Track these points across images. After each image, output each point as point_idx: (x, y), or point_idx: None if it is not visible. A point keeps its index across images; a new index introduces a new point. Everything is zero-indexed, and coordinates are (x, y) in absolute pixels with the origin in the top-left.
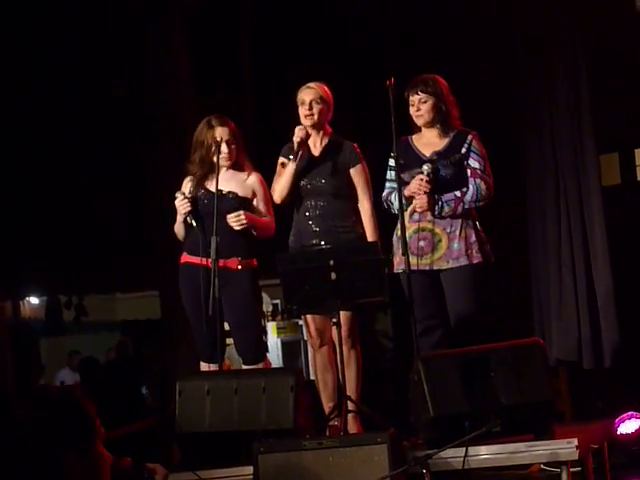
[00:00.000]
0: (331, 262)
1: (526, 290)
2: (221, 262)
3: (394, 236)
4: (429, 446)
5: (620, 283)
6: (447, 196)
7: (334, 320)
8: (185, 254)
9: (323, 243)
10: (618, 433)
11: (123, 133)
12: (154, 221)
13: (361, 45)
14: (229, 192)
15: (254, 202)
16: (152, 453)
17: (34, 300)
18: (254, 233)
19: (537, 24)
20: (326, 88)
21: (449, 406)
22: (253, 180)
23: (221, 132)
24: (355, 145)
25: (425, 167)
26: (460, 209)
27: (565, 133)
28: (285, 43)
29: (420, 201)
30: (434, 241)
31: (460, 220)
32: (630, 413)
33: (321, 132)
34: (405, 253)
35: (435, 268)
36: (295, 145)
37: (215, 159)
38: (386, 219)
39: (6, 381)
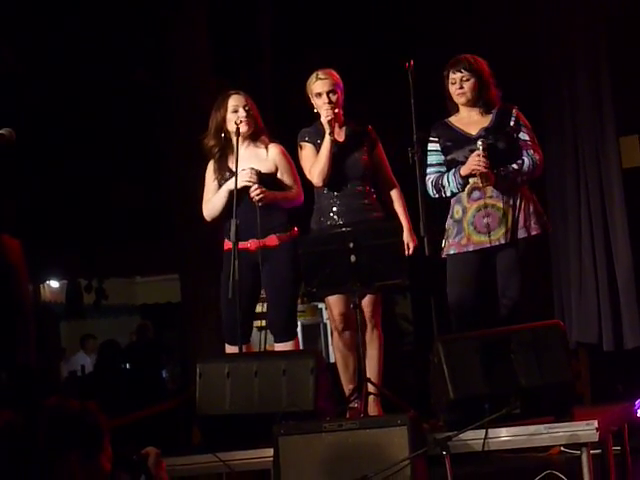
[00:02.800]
0: (351, 245)
1: (547, 273)
2: (259, 242)
3: (448, 219)
4: (449, 428)
5: None
6: (505, 169)
7: (355, 302)
8: (227, 240)
9: (343, 223)
10: (638, 415)
11: (143, 116)
12: (174, 204)
13: (379, 27)
14: (251, 169)
15: (278, 175)
16: (173, 435)
17: (54, 284)
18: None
19: (557, 10)
20: (335, 74)
21: (469, 388)
22: (274, 152)
23: (236, 98)
24: (370, 127)
25: (479, 142)
26: (520, 181)
27: (585, 115)
28: (304, 25)
29: (483, 177)
30: (498, 215)
31: (519, 192)
32: None
33: (339, 119)
34: (446, 237)
35: (502, 242)
36: (327, 124)
37: (233, 130)
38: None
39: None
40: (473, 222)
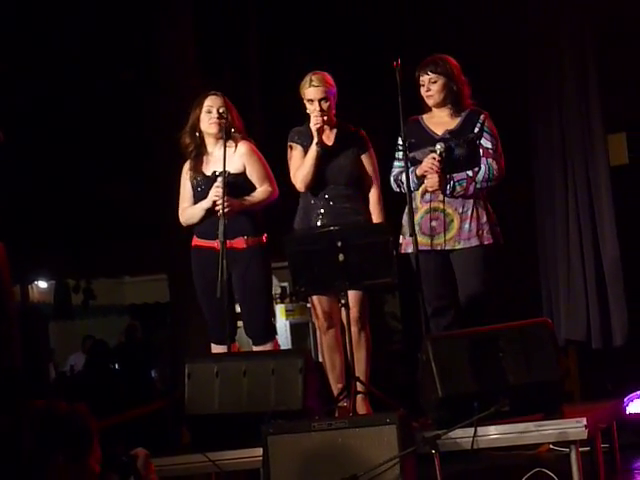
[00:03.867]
0: (339, 243)
1: (534, 270)
2: (228, 243)
3: (404, 216)
4: (438, 426)
5: (628, 263)
6: (459, 175)
7: (342, 302)
8: (196, 238)
9: (329, 225)
10: (627, 412)
11: (131, 116)
12: (163, 205)
13: (367, 27)
14: (222, 172)
15: (247, 173)
16: (162, 435)
17: (42, 284)
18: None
19: (545, 6)
20: (329, 78)
21: (458, 386)
22: (242, 151)
23: (212, 99)
24: (362, 131)
25: (438, 146)
26: (472, 189)
27: (573, 113)
28: (291, 26)
29: (431, 180)
30: (446, 221)
31: (472, 200)
32: (639, 392)
33: (330, 123)
34: (413, 234)
35: (447, 248)
36: (315, 132)
37: (206, 129)
38: (395, 199)
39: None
40: (420, 223)
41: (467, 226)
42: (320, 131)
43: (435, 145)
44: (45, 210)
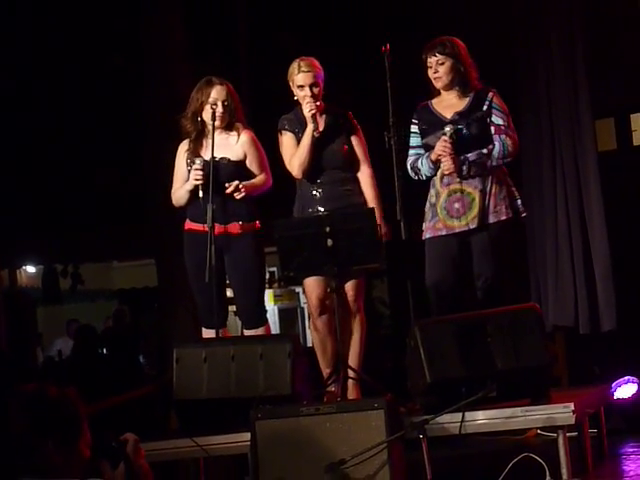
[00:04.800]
0: (327, 229)
1: (522, 255)
2: (222, 227)
3: (427, 203)
4: (426, 411)
5: (616, 248)
6: (473, 155)
7: (332, 287)
8: (189, 221)
9: (326, 210)
10: (615, 398)
11: (120, 101)
12: (151, 189)
13: (357, 11)
14: (222, 158)
15: (247, 162)
16: (150, 420)
17: (31, 269)
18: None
19: None
20: (317, 64)
21: (446, 371)
22: (243, 140)
23: (218, 90)
24: (350, 113)
25: (447, 128)
26: (489, 166)
27: (561, 99)
28: (280, 11)
29: (446, 164)
30: (468, 200)
31: (490, 177)
32: (627, 378)
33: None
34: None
35: (472, 227)
36: (310, 118)
37: (208, 119)
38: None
39: None
40: (445, 207)
41: (489, 202)
42: (315, 117)
43: (444, 128)
44: (33, 195)
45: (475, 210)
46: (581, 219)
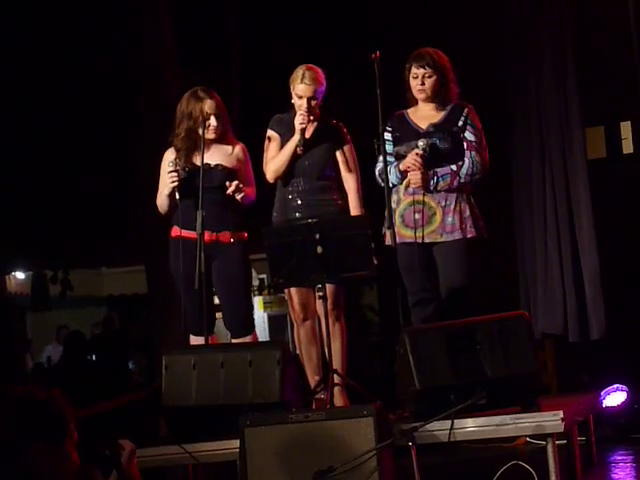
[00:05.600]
0: (317, 236)
1: (512, 263)
2: (213, 235)
3: (386, 210)
4: (415, 419)
5: (605, 256)
6: (443, 170)
7: (320, 293)
8: (176, 227)
9: (306, 217)
10: (604, 406)
11: (108, 108)
12: (140, 195)
13: (348, 17)
14: (217, 165)
15: (238, 173)
16: (139, 427)
17: (20, 275)
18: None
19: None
20: (321, 76)
21: (435, 379)
22: (237, 151)
23: (210, 105)
24: (342, 125)
25: (420, 142)
26: (456, 183)
27: (551, 107)
28: (271, 15)
29: (414, 177)
30: (428, 214)
31: (455, 194)
32: (615, 386)
33: (312, 116)
34: (390, 227)
35: (428, 241)
36: (299, 131)
37: (201, 132)
38: (379, 190)
39: None
40: (402, 215)
41: (450, 219)
42: (303, 131)
43: (418, 141)
44: (23, 201)
45: (435, 225)
46: (570, 227)
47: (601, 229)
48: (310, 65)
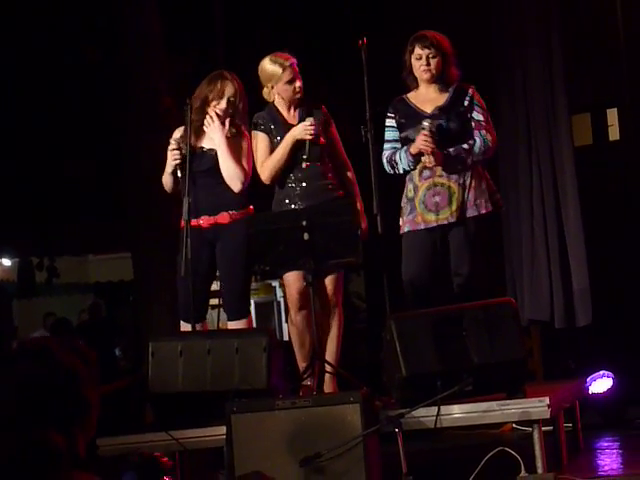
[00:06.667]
0: (304, 222)
1: (498, 250)
2: (212, 219)
3: (403, 198)
4: (401, 405)
5: (591, 243)
6: (455, 150)
7: (308, 280)
8: (182, 220)
9: (307, 205)
10: (590, 392)
11: (96, 94)
12: (127, 182)
13: (332, 5)
14: (210, 149)
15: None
16: (125, 414)
17: (6, 262)
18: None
19: None
20: (286, 55)
21: (421, 365)
22: (239, 139)
23: (229, 87)
24: (323, 106)
25: (425, 123)
26: (470, 161)
27: (537, 94)
28: (257, 3)
29: (429, 157)
30: (448, 194)
31: (470, 171)
32: (602, 372)
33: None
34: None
35: (452, 221)
36: (308, 143)
37: (218, 112)
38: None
39: None
40: (424, 201)
41: (469, 196)
42: (310, 140)
43: (422, 123)
44: (9, 187)
45: (455, 204)
46: (557, 214)
47: (588, 216)
48: (268, 59)
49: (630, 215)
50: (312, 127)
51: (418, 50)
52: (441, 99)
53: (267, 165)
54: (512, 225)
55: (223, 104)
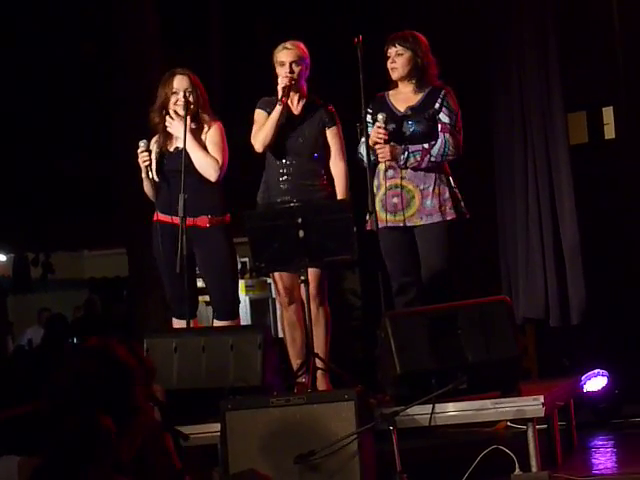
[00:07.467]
0: (299, 220)
1: (493, 248)
2: (191, 220)
3: (369, 195)
4: (396, 403)
5: (587, 241)
6: (414, 147)
7: (302, 278)
8: (157, 212)
9: (291, 200)
10: (584, 390)
11: (92, 89)
12: (122, 179)
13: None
14: (183, 148)
15: (208, 147)
16: None
17: (1, 257)
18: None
19: None
20: (303, 47)
21: (416, 363)
22: (211, 131)
23: (179, 81)
24: (331, 106)
25: (379, 116)
26: (426, 161)
27: (533, 92)
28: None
29: (382, 151)
30: (407, 197)
31: (433, 176)
32: (596, 370)
33: (299, 92)
34: (373, 211)
35: (408, 225)
36: (281, 90)
37: (177, 110)
38: (363, 176)
39: None
40: (383, 200)
41: (429, 202)
42: (285, 91)
43: (402, 121)
44: (4, 183)
45: (414, 208)
46: (552, 212)
47: (583, 214)
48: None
49: (625, 213)
50: (284, 77)
51: (387, 50)
52: (414, 99)
53: (259, 134)
54: (507, 223)
55: (180, 98)
